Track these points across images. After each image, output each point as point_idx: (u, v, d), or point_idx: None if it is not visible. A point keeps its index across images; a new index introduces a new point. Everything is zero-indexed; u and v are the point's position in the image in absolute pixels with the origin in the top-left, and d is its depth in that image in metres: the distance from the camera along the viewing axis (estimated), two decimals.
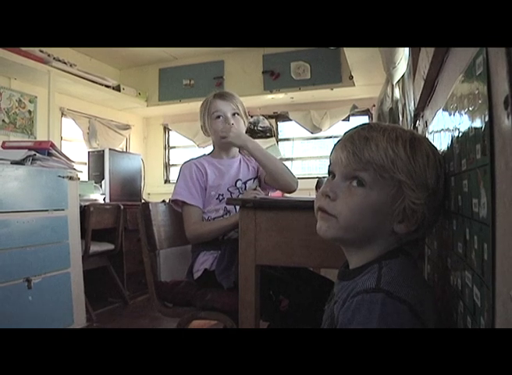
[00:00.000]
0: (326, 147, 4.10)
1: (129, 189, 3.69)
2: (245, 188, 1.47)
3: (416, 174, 0.59)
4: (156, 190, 4.44)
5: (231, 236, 1.40)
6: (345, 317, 0.58)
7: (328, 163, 0.69)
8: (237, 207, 1.23)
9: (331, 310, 0.67)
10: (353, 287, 0.61)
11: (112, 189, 3.43)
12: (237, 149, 1.52)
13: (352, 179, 0.62)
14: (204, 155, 1.55)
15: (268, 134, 4.17)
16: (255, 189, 1.46)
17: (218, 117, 1.43)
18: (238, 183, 1.47)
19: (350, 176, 0.63)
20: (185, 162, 1.48)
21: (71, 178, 2.28)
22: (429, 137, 0.91)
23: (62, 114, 3.69)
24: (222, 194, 1.43)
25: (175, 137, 4.67)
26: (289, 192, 1.48)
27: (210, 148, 1.58)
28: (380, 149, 0.59)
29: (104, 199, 3.29)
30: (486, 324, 0.43)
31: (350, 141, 0.63)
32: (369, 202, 0.60)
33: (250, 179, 1.50)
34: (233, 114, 1.44)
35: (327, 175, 0.71)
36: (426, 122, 1.07)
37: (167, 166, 4.71)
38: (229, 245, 1.34)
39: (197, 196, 1.41)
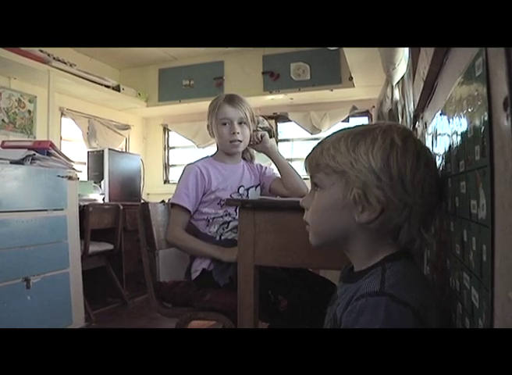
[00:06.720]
0: None
1: (128, 189, 3.69)
2: (247, 195, 1.47)
3: (357, 162, 0.61)
4: (155, 190, 4.43)
5: (227, 236, 1.40)
6: (348, 320, 0.58)
7: None
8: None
9: (333, 312, 0.67)
10: (357, 290, 0.61)
11: (111, 189, 3.43)
12: (240, 155, 1.52)
13: (313, 185, 0.68)
14: (207, 156, 1.53)
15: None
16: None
17: (225, 124, 1.44)
18: (240, 189, 1.47)
19: (311, 183, 0.68)
20: (189, 164, 1.46)
21: (70, 178, 2.28)
22: (428, 138, 0.91)
23: (62, 114, 3.69)
24: (224, 200, 1.41)
25: (174, 138, 4.66)
26: (301, 196, 1.49)
27: (209, 149, 1.58)
28: (324, 151, 0.65)
29: (103, 199, 3.29)
30: (485, 326, 0.43)
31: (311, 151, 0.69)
32: (325, 201, 0.65)
33: (253, 186, 1.51)
34: (240, 123, 1.45)
35: None
36: (426, 123, 1.07)
37: (166, 167, 4.71)
38: (227, 246, 1.34)
39: (194, 202, 1.40)
